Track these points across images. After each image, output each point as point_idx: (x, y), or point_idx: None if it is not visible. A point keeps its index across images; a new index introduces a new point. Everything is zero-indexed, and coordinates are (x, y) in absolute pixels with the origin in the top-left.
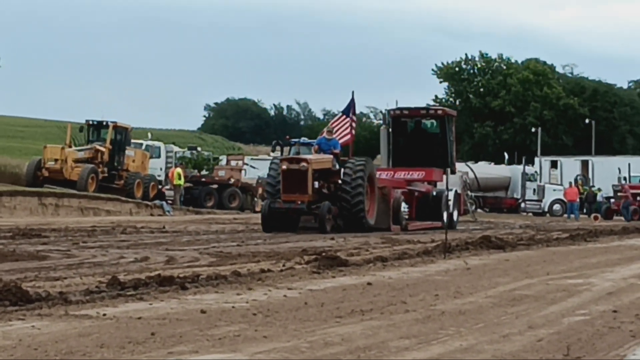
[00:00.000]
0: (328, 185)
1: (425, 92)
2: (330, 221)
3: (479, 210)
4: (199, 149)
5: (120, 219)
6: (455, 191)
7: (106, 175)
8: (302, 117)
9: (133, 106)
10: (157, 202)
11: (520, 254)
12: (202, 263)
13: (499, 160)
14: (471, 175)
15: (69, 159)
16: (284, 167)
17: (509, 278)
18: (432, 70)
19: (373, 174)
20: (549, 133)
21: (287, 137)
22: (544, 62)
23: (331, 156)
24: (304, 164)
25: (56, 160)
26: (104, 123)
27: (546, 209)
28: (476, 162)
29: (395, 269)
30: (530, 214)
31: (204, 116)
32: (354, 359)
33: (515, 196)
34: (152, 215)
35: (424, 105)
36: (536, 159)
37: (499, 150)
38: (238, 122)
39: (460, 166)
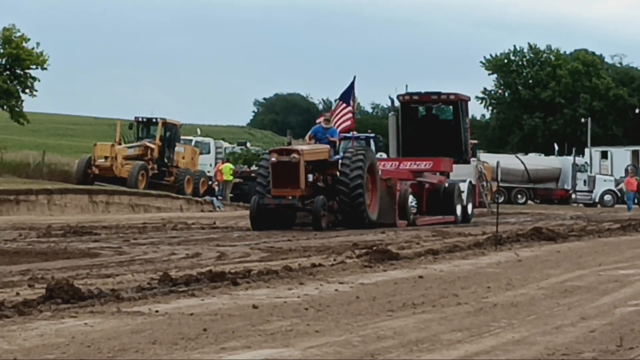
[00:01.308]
0: (324, 178)
1: (474, 84)
2: (326, 217)
3: (529, 202)
4: (248, 144)
5: (170, 216)
6: (470, 182)
7: (156, 172)
8: None
9: (182, 102)
10: (207, 198)
11: (572, 245)
12: (253, 258)
13: (548, 152)
14: (520, 167)
15: (119, 156)
16: (273, 159)
17: (560, 269)
18: (481, 62)
19: (374, 164)
20: (598, 124)
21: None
22: (593, 53)
23: (327, 146)
24: (294, 155)
25: (106, 157)
26: (154, 120)
27: (597, 200)
28: (526, 153)
29: (447, 261)
30: (581, 205)
31: (253, 111)
32: (406, 353)
33: (565, 187)
34: (202, 211)
35: (437, 90)
36: (586, 150)
37: (549, 142)
38: (287, 117)
39: (510, 158)
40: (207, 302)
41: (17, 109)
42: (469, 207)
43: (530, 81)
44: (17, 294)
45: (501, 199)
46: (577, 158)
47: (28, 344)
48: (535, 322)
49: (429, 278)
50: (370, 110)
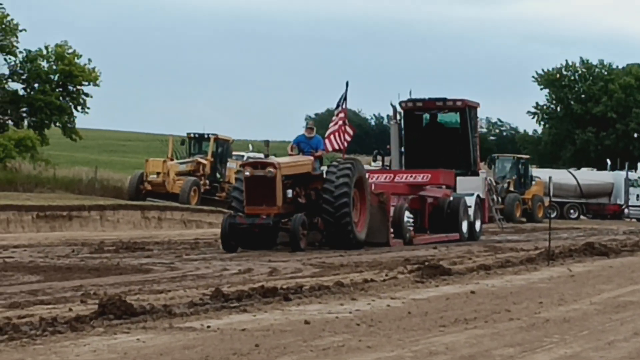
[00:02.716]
0: (307, 193)
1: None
2: (306, 236)
3: (581, 217)
4: None
5: None
6: (478, 196)
7: (208, 187)
8: None
9: (234, 118)
10: None
11: (625, 260)
12: (305, 274)
13: (601, 167)
14: (573, 182)
15: (171, 172)
16: (247, 173)
17: (613, 285)
18: (533, 77)
19: (363, 177)
20: None
21: (388, 146)
22: None
23: (310, 158)
24: (270, 169)
25: (158, 173)
26: (205, 136)
27: None
28: (578, 168)
29: (499, 277)
30: (634, 220)
31: (303, 127)
32: None
33: (618, 202)
34: None
35: (444, 97)
36: (639, 165)
37: (601, 157)
38: None
39: (562, 173)
40: (259, 318)
41: (69, 125)
42: (477, 223)
43: (583, 96)
44: (70, 309)
45: (553, 214)
46: (629, 173)
47: (81, 359)
48: (588, 338)
49: (481, 293)
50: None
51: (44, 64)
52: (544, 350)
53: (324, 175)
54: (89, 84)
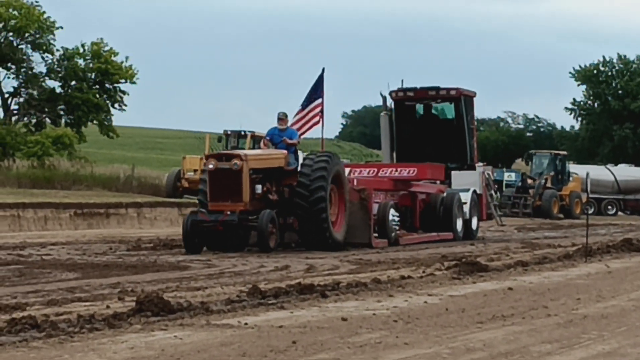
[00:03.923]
0: (280, 190)
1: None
2: (275, 235)
3: (619, 213)
4: None
5: None
6: (474, 192)
7: None
8: None
9: (271, 115)
10: None
11: None
12: (342, 270)
13: (639, 163)
14: (610, 178)
15: None
16: (210, 166)
17: None
18: (570, 73)
19: (341, 172)
20: None
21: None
22: None
23: (283, 151)
24: (236, 161)
25: (195, 170)
26: (242, 133)
27: None
28: (616, 164)
29: (536, 273)
30: None
31: (342, 124)
32: None
33: None
34: None
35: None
36: None
37: (639, 153)
38: (376, 129)
39: (599, 169)
40: (296, 315)
41: (106, 122)
42: (474, 221)
43: (620, 92)
44: (108, 307)
45: (591, 211)
46: None
47: (118, 356)
48: (626, 334)
49: (519, 290)
50: None
51: (81, 61)
52: (581, 347)
53: (299, 170)
54: (126, 82)
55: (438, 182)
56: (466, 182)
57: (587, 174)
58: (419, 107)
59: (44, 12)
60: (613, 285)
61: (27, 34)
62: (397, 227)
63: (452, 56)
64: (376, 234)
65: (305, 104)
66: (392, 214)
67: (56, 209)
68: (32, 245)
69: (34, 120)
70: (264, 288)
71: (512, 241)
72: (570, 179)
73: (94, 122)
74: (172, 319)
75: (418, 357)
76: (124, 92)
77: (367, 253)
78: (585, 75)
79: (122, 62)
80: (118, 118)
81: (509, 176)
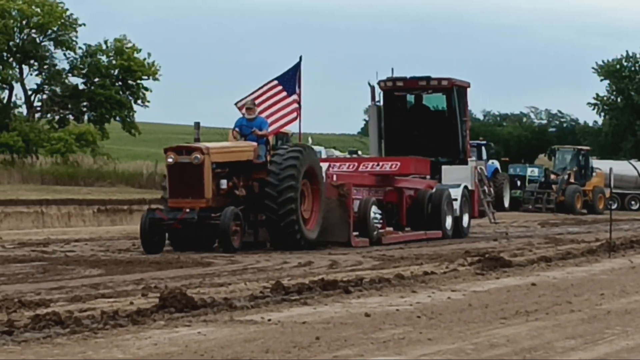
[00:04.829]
0: (249, 185)
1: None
2: (240, 233)
3: None
4: (359, 152)
5: None
6: (465, 187)
7: None
8: None
9: None
10: None
11: None
12: (365, 266)
13: None
14: (634, 173)
15: None
16: (170, 160)
17: None
18: (592, 68)
19: (315, 167)
20: None
21: None
22: None
23: (253, 144)
24: (197, 154)
25: None
26: None
27: None
28: (639, 159)
29: (560, 268)
30: None
31: (364, 120)
32: None
33: None
34: None
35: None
36: None
37: None
38: None
39: (622, 164)
40: (320, 311)
41: (129, 119)
42: (465, 218)
43: None
44: (131, 303)
45: (614, 206)
46: None
47: (142, 352)
48: None
49: (542, 285)
50: (481, 118)
51: (104, 58)
52: (605, 342)
53: (268, 166)
54: (149, 78)
55: (428, 177)
56: (457, 177)
57: (610, 169)
58: (410, 98)
59: (67, 9)
60: (637, 281)
61: (49, 31)
62: (380, 225)
63: (472, 51)
64: (356, 233)
65: (290, 92)
66: (374, 212)
67: (79, 206)
68: (55, 242)
69: (57, 117)
70: (287, 284)
71: (535, 237)
72: (594, 174)
73: (117, 118)
74: (195, 315)
75: (441, 352)
76: (146, 89)
77: (389, 249)
78: (608, 70)
79: (144, 59)
80: (140, 114)
81: (532, 171)
